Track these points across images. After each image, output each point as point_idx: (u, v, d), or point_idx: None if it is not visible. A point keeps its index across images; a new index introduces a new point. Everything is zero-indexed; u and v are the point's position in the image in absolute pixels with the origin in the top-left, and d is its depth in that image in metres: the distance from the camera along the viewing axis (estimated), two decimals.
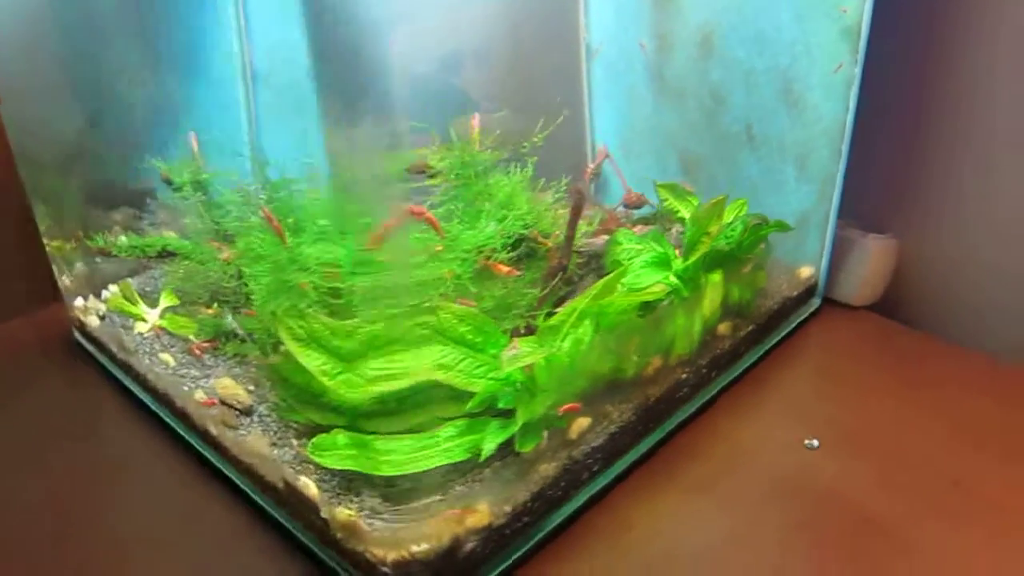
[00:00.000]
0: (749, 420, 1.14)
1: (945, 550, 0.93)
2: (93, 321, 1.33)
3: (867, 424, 1.13)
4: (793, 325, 1.36)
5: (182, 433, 1.14)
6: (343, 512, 0.89)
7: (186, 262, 1.28)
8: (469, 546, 0.87)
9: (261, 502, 1.01)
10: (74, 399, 1.25)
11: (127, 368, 1.24)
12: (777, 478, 1.03)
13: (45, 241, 1.37)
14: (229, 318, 1.17)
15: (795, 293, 1.35)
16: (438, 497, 0.89)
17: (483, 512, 0.88)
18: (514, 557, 0.94)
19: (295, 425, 1.04)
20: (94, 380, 1.28)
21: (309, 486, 0.94)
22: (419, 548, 0.84)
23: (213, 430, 1.07)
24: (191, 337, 1.23)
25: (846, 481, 1.02)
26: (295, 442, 1.01)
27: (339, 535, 0.89)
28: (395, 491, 0.90)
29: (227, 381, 1.12)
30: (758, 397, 1.19)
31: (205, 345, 1.22)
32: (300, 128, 0.97)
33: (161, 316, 1.30)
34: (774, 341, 1.31)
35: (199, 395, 1.12)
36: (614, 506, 1.00)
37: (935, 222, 1.39)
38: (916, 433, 1.11)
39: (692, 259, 1.12)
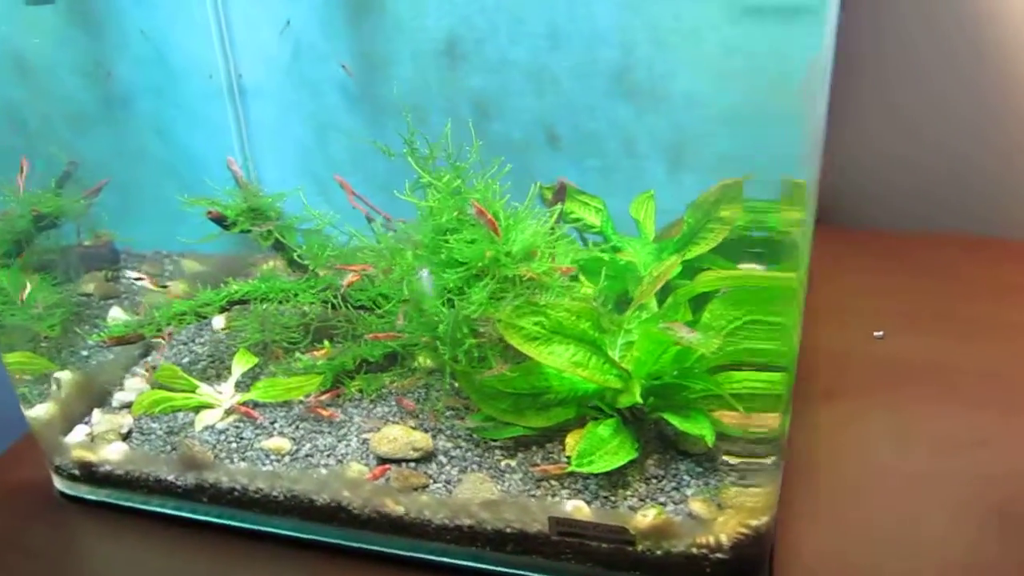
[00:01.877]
0: None
1: None
2: (113, 450, 0.93)
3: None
4: None
5: (335, 539, 0.85)
6: (650, 514, 0.74)
7: (263, 306, 1.03)
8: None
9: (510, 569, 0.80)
10: None
11: (201, 492, 0.89)
12: None
13: None
14: (400, 321, 0.91)
15: None
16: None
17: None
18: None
19: (497, 443, 0.86)
20: (132, 543, 0.91)
21: (581, 508, 0.79)
22: (758, 521, 0.74)
23: (395, 506, 0.81)
24: (305, 397, 0.95)
25: None
26: (509, 463, 0.83)
27: (648, 545, 0.74)
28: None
29: (393, 431, 0.88)
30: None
31: (327, 396, 0.96)
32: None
33: (239, 389, 1.00)
34: None
35: (354, 470, 0.86)
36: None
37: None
38: None
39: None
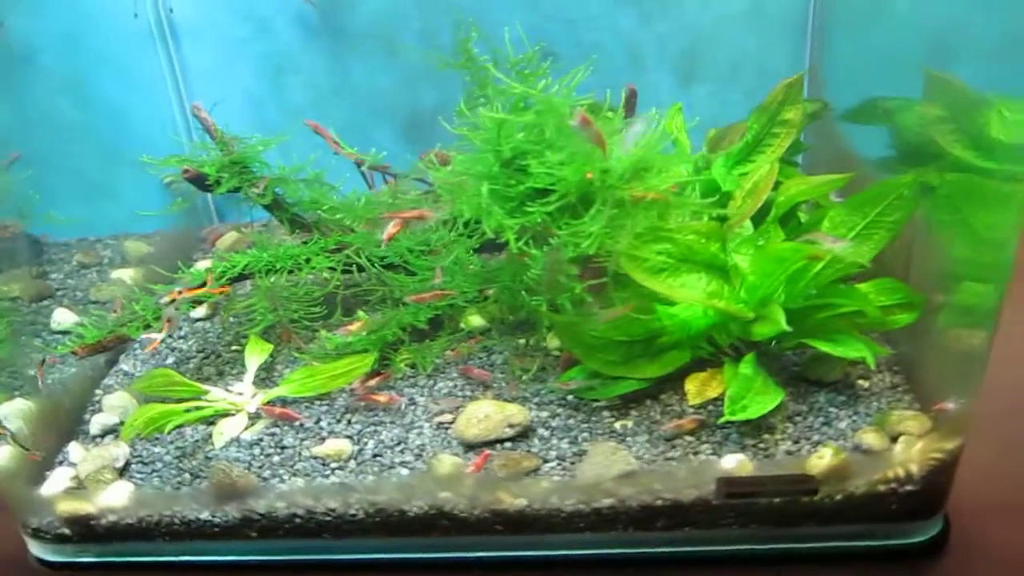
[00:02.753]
0: None
1: None
2: (115, 493, 0.71)
3: None
4: None
5: (437, 553, 0.69)
6: (826, 455, 0.63)
7: (270, 279, 0.83)
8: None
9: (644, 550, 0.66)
10: None
11: (248, 526, 0.69)
12: None
13: None
14: (438, 278, 0.74)
15: None
16: None
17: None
18: None
19: (602, 403, 0.73)
20: None
21: (745, 464, 0.66)
22: (953, 445, 0.63)
23: (514, 499, 0.65)
24: (350, 385, 0.77)
25: None
26: (624, 424, 0.70)
27: (828, 490, 0.63)
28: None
29: (481, 408, 0.72)
30: None
31: (375, 380, 0.78)
32: None
33: (260, 386, 0.79)
34: None
35: (447, 464, 0.69)
36: None
37: None
38: None
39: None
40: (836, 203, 0.74)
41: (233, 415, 0.78)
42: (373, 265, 0.84)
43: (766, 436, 0.69)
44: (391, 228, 0.77)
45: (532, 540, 0.68)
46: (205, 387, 0.81)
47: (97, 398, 0.85)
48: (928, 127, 0.80)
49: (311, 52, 1.16)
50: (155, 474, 0.75)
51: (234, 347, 0.90)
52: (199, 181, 0.87)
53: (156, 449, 0.77)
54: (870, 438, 0.67)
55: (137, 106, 1.11)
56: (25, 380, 0.86)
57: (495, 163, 0.71)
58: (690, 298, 0.66)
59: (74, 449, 0.77)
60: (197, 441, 0.77)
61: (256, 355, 0.83)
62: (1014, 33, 0.65)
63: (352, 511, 0.68)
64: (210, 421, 0.79)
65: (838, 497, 0.64)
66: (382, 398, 0.76)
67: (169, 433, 0.78)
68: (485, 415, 0.72)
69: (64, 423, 0.81)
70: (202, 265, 1.07)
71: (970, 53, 0.82)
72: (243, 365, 0.86)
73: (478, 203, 0.70)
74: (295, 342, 0.86)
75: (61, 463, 0.77)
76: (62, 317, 0.93)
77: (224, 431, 0.77)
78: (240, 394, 0.80)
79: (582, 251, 0.64)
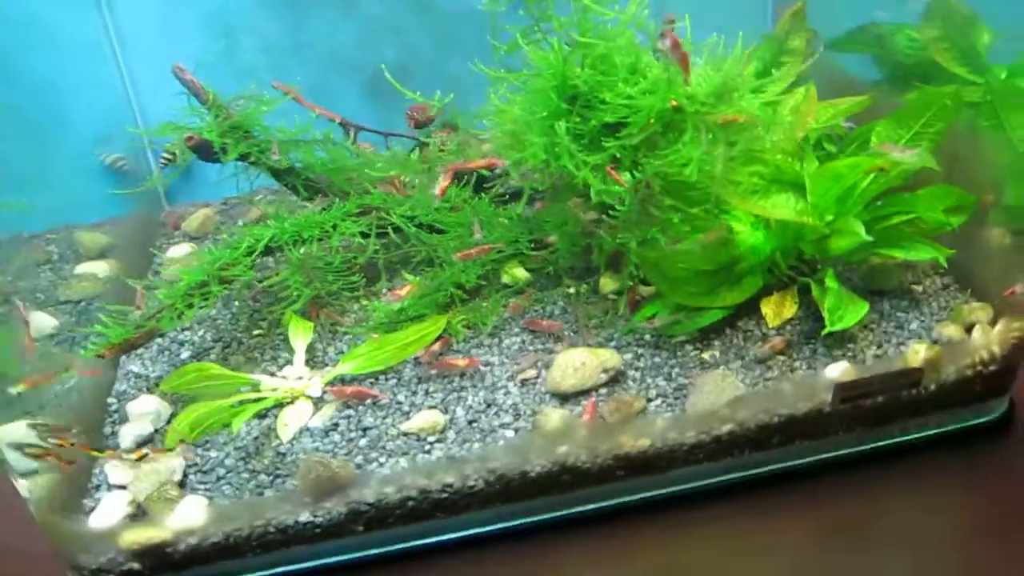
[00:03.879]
0: None
1: None
2: (190, 511, 0.62)
3: None
4: None
5: (561, 511, 0.66)
6: (921, 350, 0.65)
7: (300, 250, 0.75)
8: None
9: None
10: None
11: (355, 519, 0.63)
12: None
13: None
14: (478, 233, 0.71)
15: None
16: None
17: None
18: None
19: (682, 337, 0.72)
20: None
21: (848, 370, 0.68)
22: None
23: (638, 441, 0.63)
24: (417, 356, 0.71)
25: None
26: (712, 355, 0.70)
27: (927, 381, 0.66)
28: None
29: (574, 356, 0.68)
30: None
31: (438, 345, 0.72)
32: None
33: (313, 367, 0.71)
34: None
35: (555, 417, 0.66)
36: None
37: None
38: None
39: None
40: (877, 121, 0.77)
41: (295, 403, 0.71)
42: (408, 226, 0.78)
43: (850, 345, 0.72)
44: (443, 181, 0.72)
45: (651, 481, 0.67)
46: (253, 376, 0.72)
47: (113, 407, 0.74)
48: (927, 47, 0.84)
49: (264, 9, 1.05)
50: (222, 482, 0.66)
51: (255, 332, 0.81)
52: (204, 150, 0.77)
53: (212, 454, 0.69)
54: (949, 331, 0.71)
55: (71, 77, 0.95)
56: (8, 399, 0.73)
57: (559, 101, 0.67)
58: (785, 216, 0.66)
59: (114, 468, 0.67)
60: (257, 438, 0.69)
61: (301, 335, 0.75)
62: None
63: (471, 483, 0.64)
64: (262, 414, 0.71)
65: (932, 387, 0.68)
66: (461, 362, 0.72)
67: (214, 433, 0.69)
68: (581, 363, 0.69)
69: (85, 441, 0.70)
70: (176, 251, 0.95)
71: None
72: (273, 350, 0.78)
73: (546, 144, 0.67)
74: (329, 317, 0.79)
75: (99, 487, 0.67)
76: (40, 322, 0.79)
77: (289, 422, 0.69)
78: (299, 378, 0.72)
79: (684, 178, 0.62)
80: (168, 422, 0.72)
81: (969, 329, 0.72)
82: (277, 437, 0.69)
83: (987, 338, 0.69)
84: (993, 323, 0.72)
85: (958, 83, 0.83)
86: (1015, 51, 0.82)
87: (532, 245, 0.81)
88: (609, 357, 0.71)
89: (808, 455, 0.69)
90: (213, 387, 0.72)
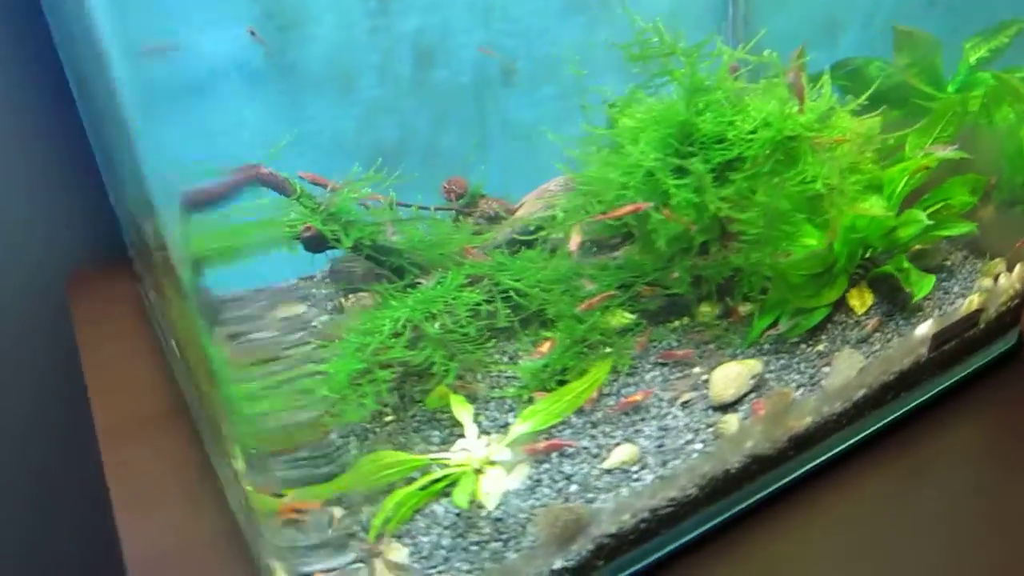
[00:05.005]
0: None
1: None
2: None
3: None
4: None
5: (756, 495, 0.75)
6: (974, 299, 0.82)
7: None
8: None
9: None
10: None
11: (598, 555, 0.67)
12: None
13: None
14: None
15: None
16: None
17: None
18: None
19: (796, 338, 0.81)
20: None
21: (932, 326, 0.82)
22: None
23: (801, 420, 0.74)
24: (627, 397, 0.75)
25: None
26: (823, 347, 0.80)
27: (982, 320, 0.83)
28: None
29: (728, 370, 0.76)
30: None
31: (596, 392, 0.75)
32: None
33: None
34: None
35: (731, 423, 0.73)
36: None
37: None
38: None
39: None
40: (907, 130, 0.92)
41: (483, 472, 0.70)
42: (527, 288, 0.81)
43: (919, 313, 0.85)
44: (576, 237, 0.77)
45: (813, 452, 0.77)
46: (429, 456, 0.71)
47: None
48: (900, 73, 1.02)
49: (259, 101, 1.05)
50: (452, 561, 0.65)
51: (388, 418, 0.79)
52: (315, 241, 0.76)
53: (422, 539, 0.66)
54: (984, 283, 0.88)
55: None
56: None
57: (682, 146, 0.75)
58: (879, 213, 0.79)
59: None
60: (459, 513, 0.68)
61: (463, 408, 0.75)
62: None
63: (688, 492, 0.70)
64: (445, 492, 0.70)
65: (982, 326, 0.85)
66: (639, 396, 0.75)
67: (407, 520, 0.67)
68: (736, 374, 0.76)
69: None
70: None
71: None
72: (414, 431, 0.77)
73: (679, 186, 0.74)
74: (469, 386, 0.79)
75: None
76: None
77: (490, 489, 0.69)
78: (477, 448, 0.72)
79: (815, 192, 0.72)
80: (334, 524, 0.69)
81: (996, 278, 0.89)
82: (481, 507, 0.68)
83: (1010, 280, 0.88)
84: (1010, 269, 0.90)
85: (928, 99, 1.01)
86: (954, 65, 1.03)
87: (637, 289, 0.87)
88: (753, 365, 0.78)
89: (910, 401, 0.84)
90: (394, 474, 0.70)
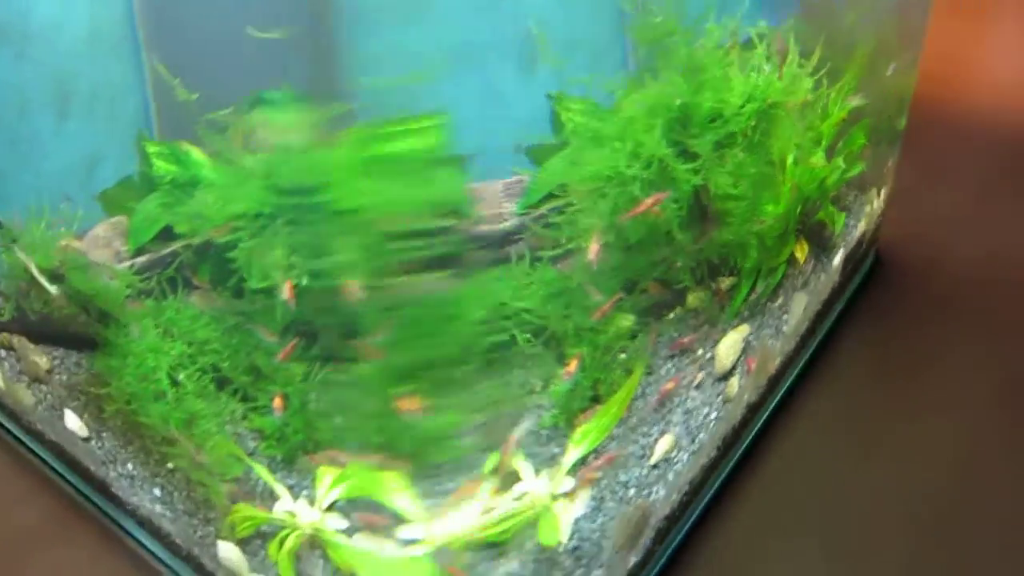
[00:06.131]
0: None
1: None
2: None
3: None
4: None
5: None
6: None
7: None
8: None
9: None
10: None
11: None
12: None
13: None
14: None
15: None
16: None
17: None
18: None
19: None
20: None
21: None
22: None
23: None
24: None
25: None
26: None
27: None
28: None
29: (728, 342, 0.82)
30: None
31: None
32: None
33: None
34: None
35: (734, 384, 0.80)
36: None
37: None
38: None
39: None
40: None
41: (549, 507, 0.67)
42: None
43: (834, 249, 0.97)
44: (596, 244, 0.71)
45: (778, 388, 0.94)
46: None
47: None
48: None
49: None
50: None
51: None
52: None
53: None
54: (867, 210, 1.03)
55: None
56: None
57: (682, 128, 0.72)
58: (822, 164, 0.86)
59: None
60: (536, 559, 0.66)
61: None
62: None
63: (711, 456, 0.81)
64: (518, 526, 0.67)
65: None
66: (670, 384, 0.80)
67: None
68: (733, 342, 0.84)
69: None
70: None
71: None
72: None
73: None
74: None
75: None
76: None
77: (559, 525, 0.66)
78: (539, 486, 0.68)
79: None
80: None
81: (872, 205, 1.05)
82: (558, 542, 0.66)
83: (879, 203, 1.06)
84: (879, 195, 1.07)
85: None
86: None
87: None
88: (743, 329, 0.85)
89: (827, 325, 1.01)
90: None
